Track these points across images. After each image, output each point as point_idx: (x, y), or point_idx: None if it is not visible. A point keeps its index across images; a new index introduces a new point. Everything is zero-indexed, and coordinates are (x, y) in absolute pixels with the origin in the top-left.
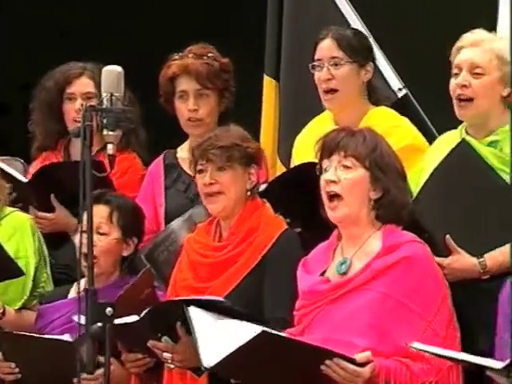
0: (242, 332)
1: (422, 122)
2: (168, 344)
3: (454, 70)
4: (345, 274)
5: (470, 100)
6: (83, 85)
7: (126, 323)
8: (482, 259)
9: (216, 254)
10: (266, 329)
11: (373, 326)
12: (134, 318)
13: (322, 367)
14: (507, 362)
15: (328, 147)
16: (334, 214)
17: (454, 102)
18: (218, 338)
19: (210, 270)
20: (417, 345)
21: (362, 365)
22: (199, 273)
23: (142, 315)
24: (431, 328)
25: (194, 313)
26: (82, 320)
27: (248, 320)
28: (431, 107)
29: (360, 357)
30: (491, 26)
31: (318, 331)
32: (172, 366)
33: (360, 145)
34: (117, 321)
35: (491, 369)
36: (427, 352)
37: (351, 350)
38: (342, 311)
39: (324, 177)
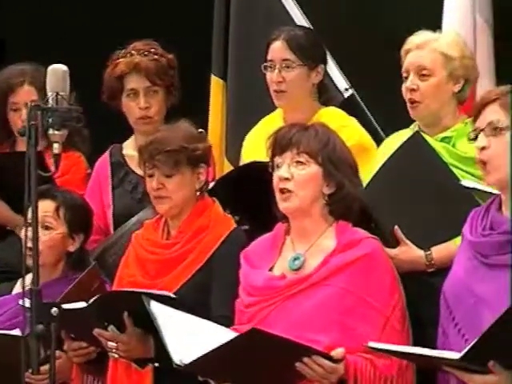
0: (214, 330)
1: (367, 122)
2: (114, 333)
3: (404, 74)
4: (298, 269)
5: (420, 103)
6: (26, 93)
7: (72, 309)
8: (428, 252)
9: (164, 252)
10: (256, 327)
11: (335, 322)
12: (81, 305)
13: (297, 364)
14: (464, 351)
15: (280, 144)
16: (285, 204)
17: (407, 103)
18: (186, 334)
19: (158, 267)
20: (372, 344)
21: (337, 361)
22: (147, 269)
23: (90, 302)
24: (390, 323)
25: (156, 308)
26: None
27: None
28: (377, 107)
29: (336, 353)
30: (437, 25)
31: (274, 328)
32: (116, 356)
33: (312, 140)
34: (64, 306)
35: (448, 361)
36: (383, 350)
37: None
38: (300, 308)
39: (277, 174)
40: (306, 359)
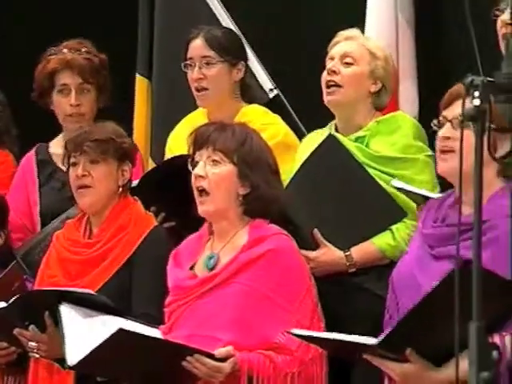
0: (104, 329)
1: (292, 123)
2: (34, 333)
3: (327, 62)
4: (213, 268)
5: (338, 86)
6: None
7: None
8: (348, 252)
9: (86, 251)
10: (123, 326)
11: (236, 319)
12: (1, 304)
13: (184, 363)
14: (381, 337)
15: (198, 141)
16: (202, 208)
17: (323, 89)
18: (85, 335)
19: (80, 267)
20: (296, 331)
21: (223, 360)
22: (68, 270)
23: (10, 302)
24: (295, 319)
25: (65, 310)
26: None
27: (117, 315)
28: (302, 108)
29: (219, 352)
30: (360, 28)
31: (184, 327)
32: (37, 356)
33: (229, 139)
34: None
35: (366, 347)
36: (305, 337)
37: (215, 345)
38: (207, 306)
39: (194, 172)
40: (188, 358)
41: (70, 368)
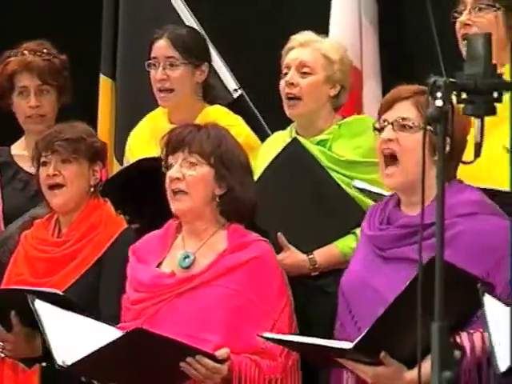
0: (100, 330)
1: (256, 123)
2: (0, 332)
3: (284, 70)
4: (188, 268)
5: (298, 99)
6: None
7: None
8: (311, 256)
9: (55, 250)
10: (141, 326)
11: (224, 321)
12: None
13: (182, 364)
14: (356, 341)
15: (173, 144)
16: (177, 206)
17: (284, 100)
18: (71, 333)
19: (48, 266)
20: (267, 334)
21: (221, 361)
22: (36, 268)
23: None
24: (277, 326)
25: (41, 307)
26: None
27: (84, 315)
28: (266, 108)
29: (220, 353)
30: (324, 29)
31: (164, 326)
32: (2, 355)
33: (205, 141)
34: None
35: (341, 351)
36: (276, 340)
37: (204, 346)
38: (190, 306)
39: (169, 173)
40: (189, 359)
41: (62, 368)
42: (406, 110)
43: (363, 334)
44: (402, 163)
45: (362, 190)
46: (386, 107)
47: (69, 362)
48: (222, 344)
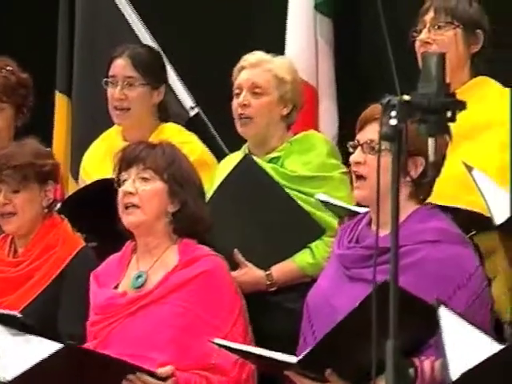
0: (41, 346)
1: (213, 141)
2: None
3: (236, 90)
4: (141, 287)
5: (251, 118)
6: None
7: None
8: (268, 272)
9: (11, 270)
10: (70, 342)
11: (172, 340)
12: None
13: (124, 382)
14: (301, 357)
15: (127, 159)
16: (129, 219)
17: (236, 120)
18: (16, 351)
19: (4, 286)
20: (218, 341)
21: (164, 379)
22: None
23: None
24: (228, 340)
25: None
26: None
27: (41, 336)
28: (223, 126)
29: (161, 371)
30: (280, 47)
31: (114, 346)
32: None
33: (159, 158)
34: None
35: (287, 365)
36: (228, 348)
37: (151, 365)
38: (140, 325)
39: (122, 188)
40: (130, 376)
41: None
42: (374, 132)
43: (308, 350)
44: (370, 181)
45: (325, 203)
46: (359, 127)
47: (9, 378)
48: (169, 362)
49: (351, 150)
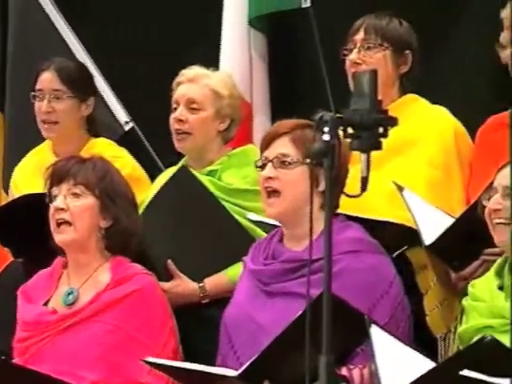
0: None
1: (148, 155)
2: None
3: (173, 105)
4: (71, 304)
5: (187, 134)
6: None
7: None
8: (202, 284)
9: None
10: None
11: (102, 358)
12: None
13: None
14: (241, 370)
15: (57, 175)
16: (61, 236)
17: (173, 135)
18: None
19: None
20: (150, 359)
21: None
22: None
23: None
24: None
25: None
26: None
27: None
28: (158, 141)
29: None
30: (215, 62)
31: (44, 363)
32: None
33: (90, 173)
34: None
35: (225, 379)
36: (161, 366)
37: (81, 383)
38: (70, 343)
39: (53, 204)
40: None
41: None
42: (284, 147)
43: (248, 363)
44: (282, 196)
45: (256, 223)
46: (265, 144)
47: None
48: (100, 380)
49: (259, 169)
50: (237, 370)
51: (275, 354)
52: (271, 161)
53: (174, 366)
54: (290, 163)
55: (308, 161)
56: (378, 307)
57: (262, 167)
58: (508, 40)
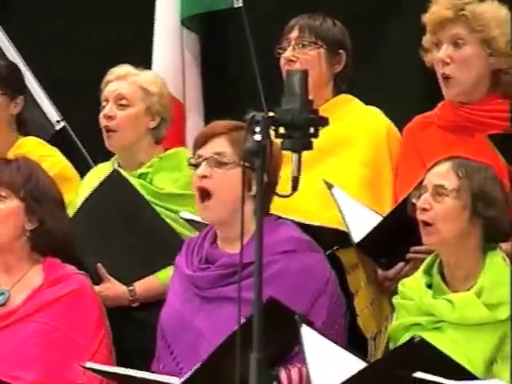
0: None
1: (79, 154)
2: None
3: (103, 103)
4: (3, 305)
5: (116, 131)
6: None
7: None
8: (131, 287)
9: None
10: None
11: (39, 358)
12: None
13: None
14: (184, 378)
15: None
16: None
17: (103, 132)
18: None
19: None
20: (89, 364)
21: None
22: None
23: None
24: (95, 360)
25: None
26: None
27: None
28: (89, 140)
29: None
30: (147, 62)
31: None
32: None
33: (14, 174)
34: None
35: None
36: (99, 371)
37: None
38: (5, 343)
39: None
40: None
41: None
42: (220, 146)
43: (191, 373)
44: (216, 198)
45: (188, 221)
46: (200, 143)
47: None
48: (37, 380)
49: (191, 167)
50: (177, 376)
51: (218, 362)
52: (206, 159)
53: (115, 373)
54: (226, 163)
55: (243, 163)
56: (316, 306)
57: (196, 166)
58: (430, 43)
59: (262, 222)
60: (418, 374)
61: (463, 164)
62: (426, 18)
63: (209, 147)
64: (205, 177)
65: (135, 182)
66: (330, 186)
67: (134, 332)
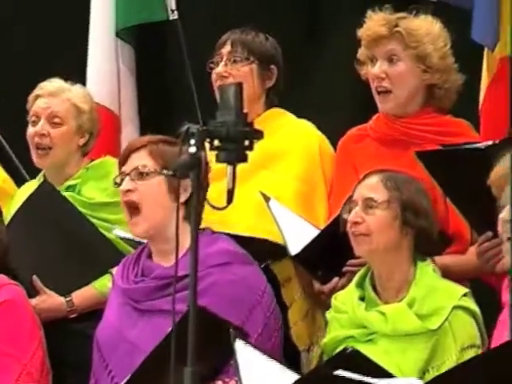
0: None
1: (14, 167)
2: None
3: (32, 118)
4: None
5: (49, 149)
6: None
7: None
8: (69, 298)
9: None
10: None
11: None
12: None
13: None
14: None
15: None
16: None
17: (32, 149)
18: None
19: None
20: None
21: None
22: None
23: None
24: (27, 371)
25: None
26: None
27: None
28: (24, 153)
29: None
30: (81, 74)
31: None
32: None
33: None
34: None
35: None
36: None
37: None
38: None
39: None
40: None
41: None
42: (140, 159)
43: (127, 380)
44: (144, 211)
45: (123, 239)
46: (123, 161)
47: None
48: None
49: (116, 186)
50: None
51: (148, 372)
52: (128, 174)
53: None
54: (147, 174)
55: (165, 171)
56: (251, 318)
57: (121, 183)
58: (365, 57)
59: (198, 234)
60: (339, 372)
61: (392, 176)
62: (361, 32)
63: (130, 163)
64: (129, 191)
65: (64, 194)
66: (267, 199)
67: (72, 343)
